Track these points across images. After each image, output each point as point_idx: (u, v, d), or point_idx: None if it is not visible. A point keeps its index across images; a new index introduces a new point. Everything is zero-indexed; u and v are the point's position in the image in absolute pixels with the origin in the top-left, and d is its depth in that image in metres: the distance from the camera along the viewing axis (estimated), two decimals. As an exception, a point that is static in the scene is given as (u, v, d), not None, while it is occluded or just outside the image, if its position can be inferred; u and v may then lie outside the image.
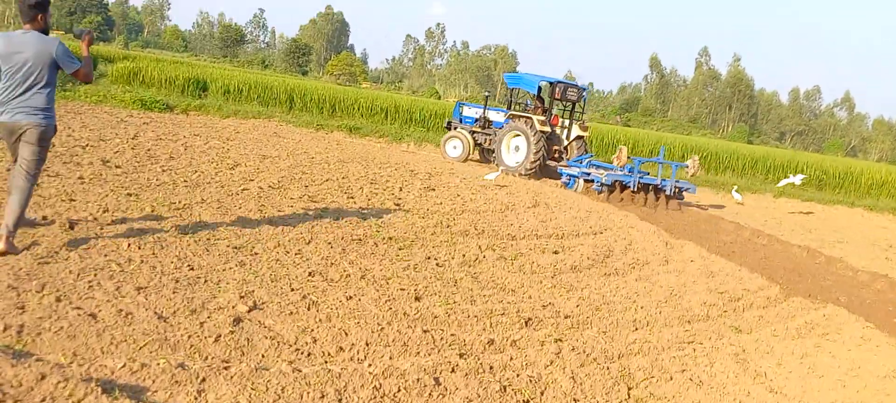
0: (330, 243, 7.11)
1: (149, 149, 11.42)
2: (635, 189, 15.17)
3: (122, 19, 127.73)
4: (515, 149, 17.58)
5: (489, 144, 18.73)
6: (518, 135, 17.42)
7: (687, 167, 16.16)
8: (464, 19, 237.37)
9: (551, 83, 17.83)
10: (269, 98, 23.88)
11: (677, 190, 15.66)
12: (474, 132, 18.80)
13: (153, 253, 5.84)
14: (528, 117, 17.36)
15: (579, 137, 18.03)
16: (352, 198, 9.74)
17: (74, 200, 7.18)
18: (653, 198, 15.41)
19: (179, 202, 7.77)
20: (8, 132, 5.36)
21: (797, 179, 19.49)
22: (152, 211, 7.24)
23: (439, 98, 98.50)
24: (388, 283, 6.17)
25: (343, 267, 6.42)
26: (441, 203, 10.24)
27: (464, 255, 7.54)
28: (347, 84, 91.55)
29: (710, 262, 9.38)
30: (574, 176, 15.84)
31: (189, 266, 5.72)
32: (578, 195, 14.81)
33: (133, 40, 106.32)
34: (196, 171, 10.02)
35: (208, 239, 6.55)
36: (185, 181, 9.10)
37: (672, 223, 13.48)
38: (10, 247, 5.19)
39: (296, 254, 6.56)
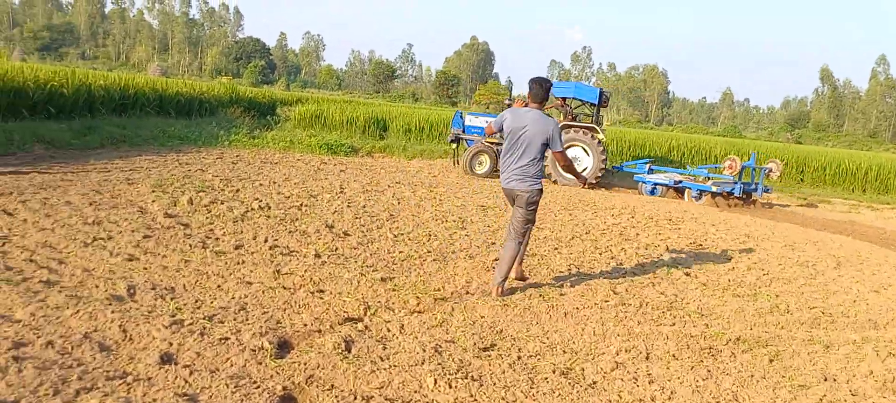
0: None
1: (363, 206, 10.02)
2: (740, 195, 16.43)
3: (282, 62, 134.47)
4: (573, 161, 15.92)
5: None
6: (573, 146, 16.97)
7: (770, 171, 17.30)
8: (607, 41, 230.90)
9: (601, 92, 17.77)
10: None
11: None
12: (495, 144, 16.72)
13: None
14: (587, 128, 17.02)
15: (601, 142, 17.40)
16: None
17: (323, 291, 5.66)
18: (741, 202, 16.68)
19: (453, 279, 6.07)
20: (508, 195, 6.16)
21: None
22: (418, 303, 5.59)
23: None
24: None
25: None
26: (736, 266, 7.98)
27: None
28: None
29: None
30: (664, 184, 17.23)
31: None
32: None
33: (292, 81, 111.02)
34: (430, 235, 8.43)
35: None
36: (429, 252, 7.48)
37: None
38: (503, 293, 5.99)
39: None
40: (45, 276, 5.22)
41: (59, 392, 3.45)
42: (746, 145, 27.04)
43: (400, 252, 7.41)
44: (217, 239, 7.18)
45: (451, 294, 5.91)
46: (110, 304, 4.77)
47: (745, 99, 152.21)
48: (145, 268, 5.79)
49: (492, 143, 16.62)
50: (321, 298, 5.43)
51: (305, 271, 6.12)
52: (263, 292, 5.45)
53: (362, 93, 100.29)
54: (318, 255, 6.81)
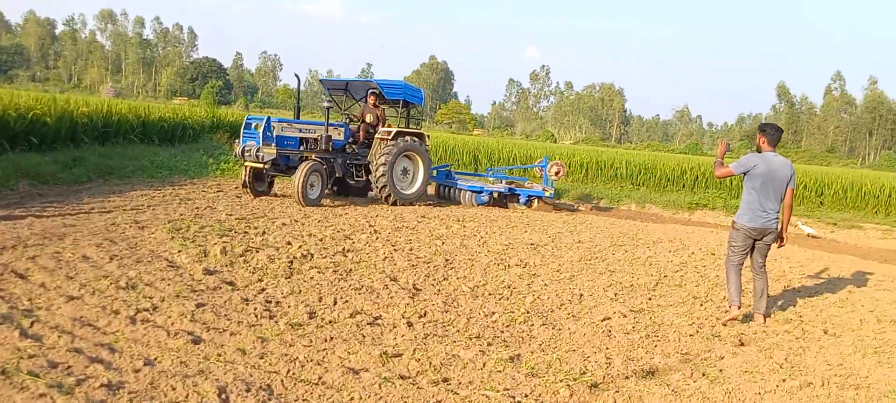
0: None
1: (410, 249, 8.91)
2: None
3: (238, 82, 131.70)
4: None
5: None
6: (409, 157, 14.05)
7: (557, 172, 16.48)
8: (563, 61, 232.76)
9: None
10: (451, 158, 21.55)
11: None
12: (321, 159, 12.68)
13: None
14: (418, 134, 14.06)
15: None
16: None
17: (448, 380, 4.53)
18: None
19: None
20: (758, 233, 6.59)
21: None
22: (571, 395, 4.50)
23: (555, 141, 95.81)
24: None
25: None
26: None
27: None
28: (458, 132, 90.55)
29: None
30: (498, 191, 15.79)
31: None
32: None
33: (251, 101, 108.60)
34: (508, 287, 7.35)
35: None
36: (527, 313, 6.39)
37: None
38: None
39: None
40: (103, 376, 3.99)
41: None
42: (708, 162, 26.71)
43: (494, 313, 6.31)
44: (278, 302, 6.00)
45: (603, 378, 4.82)
46: (207, 420, 3.58)
47: (698, 115, 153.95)
48: (220, 356, 4.58)
49: (319, 159, 12.51)
50: (455, 393, 4.29)
51: (413, 349, 4.98)
52: (380, 386, 4.30)
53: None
54: (409, 324, 5.68)
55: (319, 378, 4.37)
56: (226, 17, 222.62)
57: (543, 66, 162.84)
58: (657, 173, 23.12)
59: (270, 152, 11.94)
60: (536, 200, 15.84)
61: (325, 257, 7.94)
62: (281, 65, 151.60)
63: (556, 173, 16.21)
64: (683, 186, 22.89)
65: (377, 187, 13.29)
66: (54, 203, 9.73)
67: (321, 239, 8.93)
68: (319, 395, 4.10)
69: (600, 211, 18.11)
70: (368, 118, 14.04)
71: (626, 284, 8.18)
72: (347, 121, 14.34)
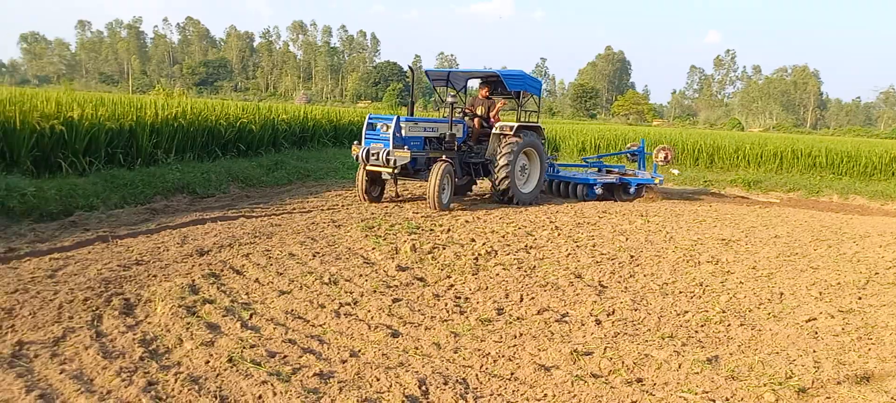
0: None
1: (593, 245, 8.80)
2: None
3: (418, 83, 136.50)
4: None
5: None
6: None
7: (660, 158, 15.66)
8: (749, 43, 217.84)
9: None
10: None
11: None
12: (448, 157, 11.53)
13: None
14: (534, 128, 12.89)
15: None
16: None
17: (642, 380, 4.44)
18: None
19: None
20: None
21: None
22: (777, 400, 4.24)
23: (742, 129, 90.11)
24: None
25: None
26: None
27: None
28: (636, 123, 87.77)
29: None
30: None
31: None
32: None
33: (428, 101, 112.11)
34: (700, 285, 7.04)
35: None
36: (723, 312, 6.09)
37: None
38: None
39: None
40: (315, 366, 4.32)
41: None
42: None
43: (686, 312, 6.08)
44: (467, 299, 6.17)
45: (812, 383, 4.50)
46: (409, 410, 3.78)
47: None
48: (417, 349, 4.80)
49: (449, 160, 11.34)
50: (651, 394, 4.19)
51: (603, 348, 4.93)
52: (572, 383, 4.30)
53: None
54: (598, 322, 5.62)
55: (512, 374, 4.45)
56: (402, 22, 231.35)
57: (729, 50, 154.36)
58: (861, 161, 21.03)
59: (404, 155, 10.53)
60: (645, 189, 14.77)
61: (508, 254, 8.05)
62: (457, 64, 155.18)
63: (665, 158, 15.36)
64: (893, 174, 20.67)
65: (499, 188, 12.06)
66: (261, 204, 10.65)
67: (503, 236, 9.05)
68: (513, 391, 4.18)
69: (787, 203, 16.81)
70: (479, 111, 12.90)
71: (832, 282, 7.54)
72: (461, 115, 12.67)
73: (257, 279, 6.35)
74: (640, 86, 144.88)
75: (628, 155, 16.15)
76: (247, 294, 5.89)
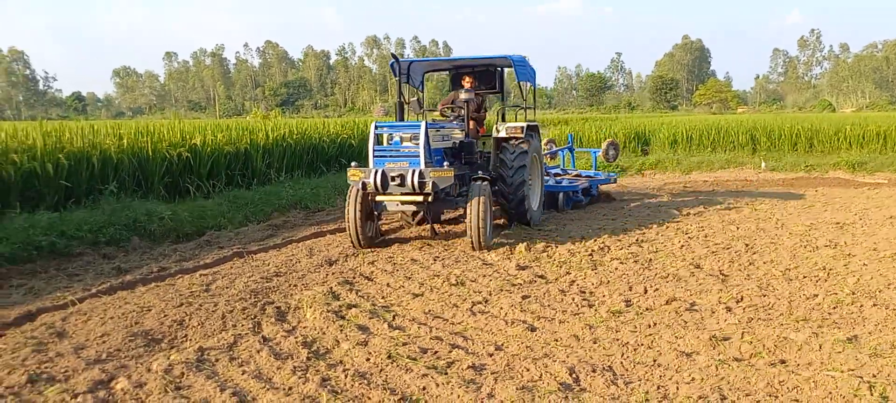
0: None
1: (705, 236, 8.82)
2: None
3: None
4: None
5: None
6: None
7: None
8: (834, 21, 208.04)
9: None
10: (724, 142, 20.49)
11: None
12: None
13: None
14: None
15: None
16: None
17: (785, 362, 4.53)
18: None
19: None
20: None
21: None
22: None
23: (833, 110, 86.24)
24: None
25: None
26: None
27: None
28: (720, 112, 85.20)
29: None
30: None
31: None
32: None
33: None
34: (823, 268, 7.00)
35: None
36: (852, 293, 6.07)
37: None
38: None
39: None
40: (465, 359, 4.61)
41: None
42: None
43: (815, 295, 6.08)
44: (592, 293, 6.35)
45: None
46: (566, 396, 4.01)
47: None
48: (557, 341, 5.03)
49: (485, 177, 8.64)
50: (796, 374, 4.28)
51: (740, 333, 5.03)
52: (716, 367, 4.43)
53: (575, 110, 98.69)
54: (728, 309, 5.70)
55: (654, 361, 4.61)
56: (473, 27, 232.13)
57: (813, 29, 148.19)
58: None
59: (446, 177, 7.86)
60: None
61: (621, 248, 8.19)
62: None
63: (614, 155, 13.82)
64: None
65: (512, 206, 9.34)
66: (371, 215, 11.11)
67: (613, 232, 9.18)
68: (660, 375, 4.35)
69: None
70: (459, 112, 9.91)
71: (963, 260, 7.35)
72: (453, 116, 10.02)
73: (388, 283, 6.72)
74: (722, 74, 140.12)
75: (549, 155, 13.83)
76: (383, 297, 6.26)
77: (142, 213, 8.94)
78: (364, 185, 7.89)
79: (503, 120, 10.13)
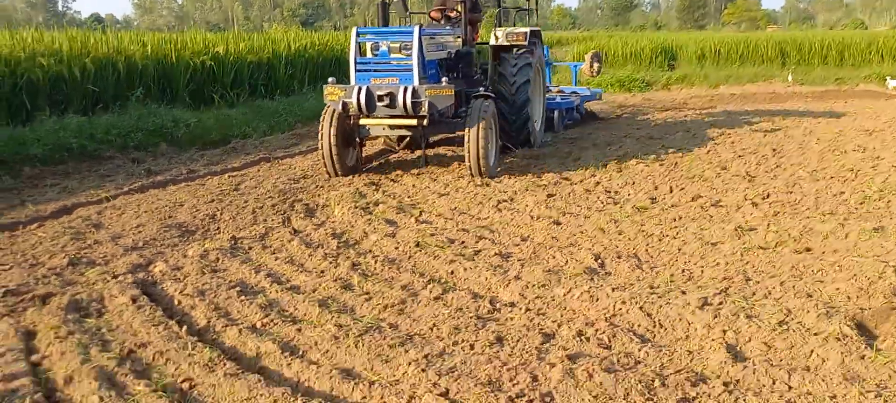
0: None
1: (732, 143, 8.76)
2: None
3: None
4: None
5: None
6: None
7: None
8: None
9: None
10: (753, 57, 20.02)
11: None
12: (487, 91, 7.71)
13: None
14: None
15: None
16: None
17: (811, 249, 4.55)
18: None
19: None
20: None
21: None
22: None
23: (866, 28, 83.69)
24: None
25: None
26: None
27: None
28: (749, 30, 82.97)
29: None
30: None
31: None
32: None
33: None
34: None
35: None
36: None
37: None
38: None
39: None
40: (492, 248, 4.71)
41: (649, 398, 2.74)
42: None
43: (842, 192, 6.01)
44: (617, 192, 6.38)
45: None
46: (592, 278, 4.08)
47: None
48: (582, 233, 5.11)
49: (490, 95, 7.43)
50: (823, 260, 4.31)
51: (766, 224, 5.05)
52: (741, 254, 4.47)
53: (602, 30, 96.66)
54: (754, 204, 5.70)
55: (679, 249, 4.66)
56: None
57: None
58: None
59: (445, 95, 6.55)
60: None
61: (645, 154, 8.15)
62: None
63: (597, 69, 12.27)
64: None
65: (514, 129, 8.12)
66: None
67: (637, 139, 9.14)
68: (685, 262, 4.40)
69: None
70: (452, 14, 8.56)
71: None
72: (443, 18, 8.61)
73: (414, 185, 6.78)
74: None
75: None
76: (409, 197, 6.34)
77: (168, 120, 9.02)
78: (345, 106, 6.53)
79: (500, 25, 8.72)
